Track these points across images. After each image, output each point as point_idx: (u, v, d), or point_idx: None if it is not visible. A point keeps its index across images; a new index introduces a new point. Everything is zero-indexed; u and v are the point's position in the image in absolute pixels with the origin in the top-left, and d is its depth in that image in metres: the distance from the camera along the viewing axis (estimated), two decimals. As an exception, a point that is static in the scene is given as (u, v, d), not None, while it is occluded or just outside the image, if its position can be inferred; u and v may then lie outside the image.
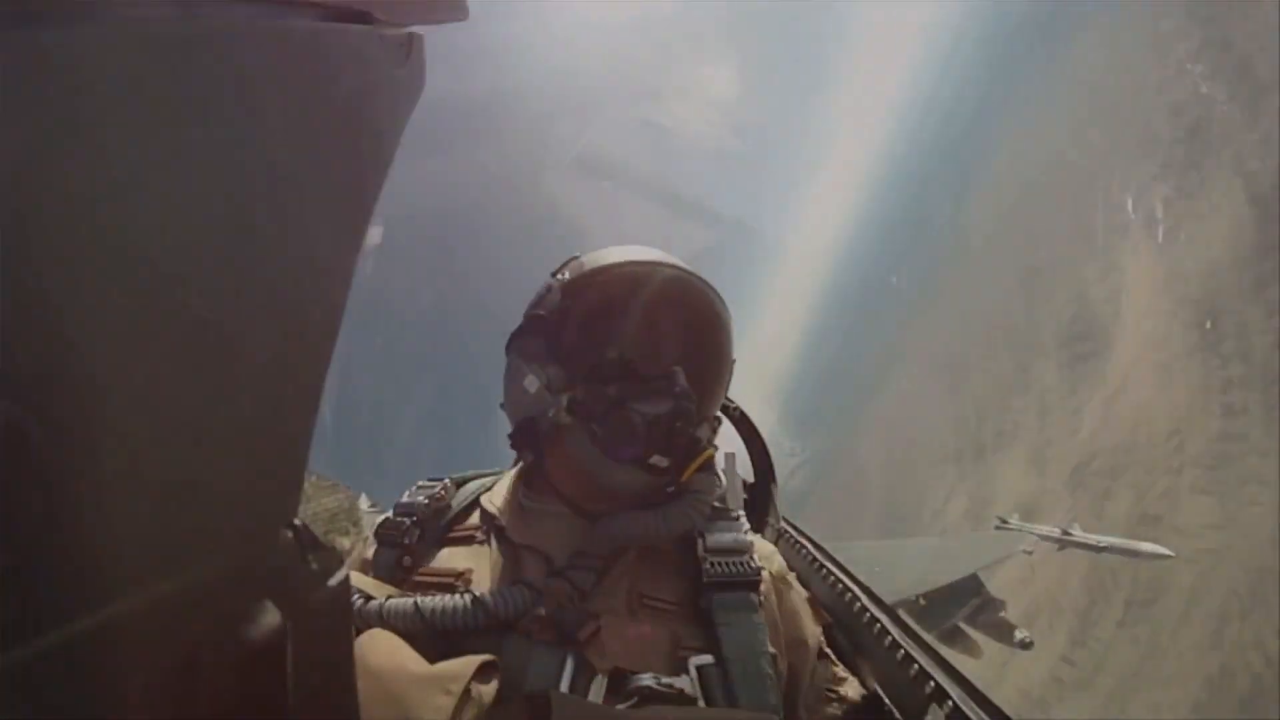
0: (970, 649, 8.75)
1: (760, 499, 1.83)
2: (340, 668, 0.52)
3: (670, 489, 1.14)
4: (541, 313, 1.17)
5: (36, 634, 0.32)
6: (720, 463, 1.44)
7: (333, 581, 0.49)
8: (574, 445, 1.11)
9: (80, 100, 0.30)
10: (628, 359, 1.13)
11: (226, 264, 0.38)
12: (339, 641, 0.51)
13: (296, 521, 0.47)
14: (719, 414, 1.29)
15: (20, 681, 0.31)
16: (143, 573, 0.37)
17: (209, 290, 0.37)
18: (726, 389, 1.27)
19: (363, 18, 0.43)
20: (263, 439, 0.43)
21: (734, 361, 1.26)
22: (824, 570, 1.61)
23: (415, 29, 0.47)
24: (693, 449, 1.13)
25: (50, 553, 0.32)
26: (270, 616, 0.43)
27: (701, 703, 0.95)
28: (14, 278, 0.28)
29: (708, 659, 0.99)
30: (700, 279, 1.20)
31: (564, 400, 1.09)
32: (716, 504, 1.23)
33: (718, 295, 1.21)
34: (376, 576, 1.13)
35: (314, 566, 0.47)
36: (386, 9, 0.45)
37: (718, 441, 1.44)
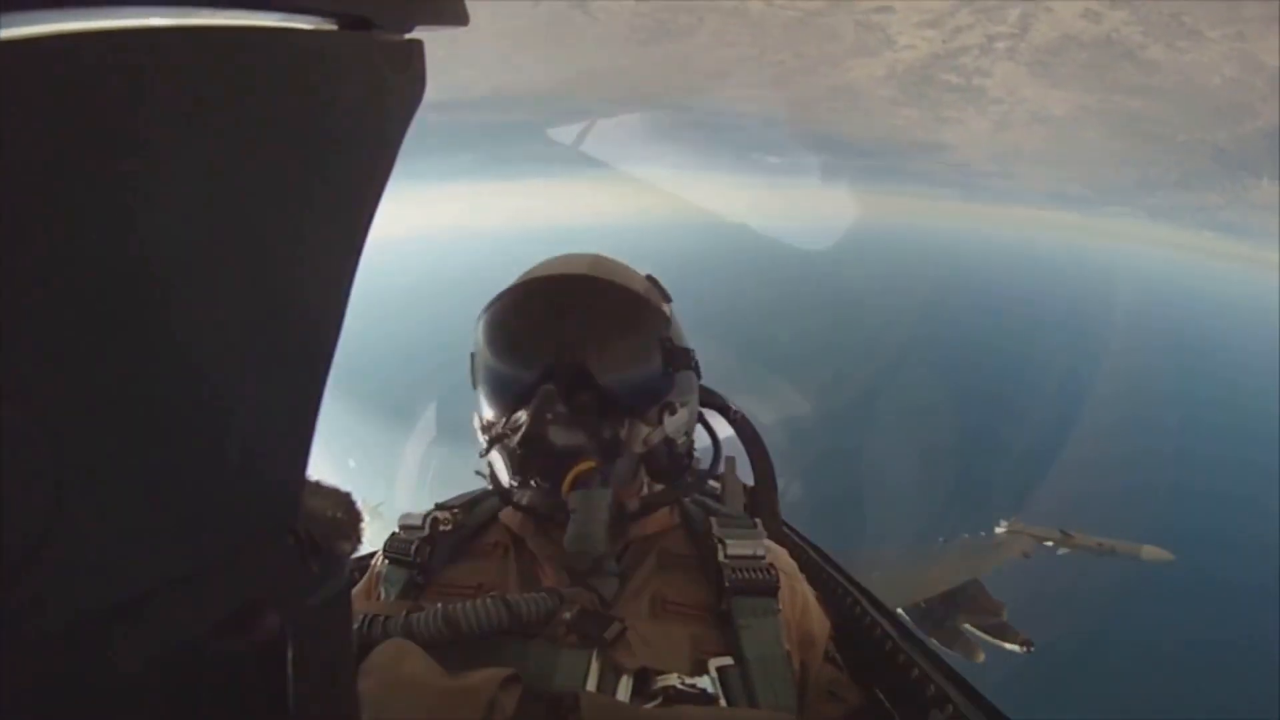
0: (970, 651, 8.75)
1: (761, 502, 1.83)
2: (340, 672, 0.52)
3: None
4: (472, 351, 1.22)
5: (38, 634, 0.32)
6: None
7: (333, 586, 0.49)
8: None
9: (82, 104, 0.30)
10: (501, 392, 1.15)
11: (226, 269, 0.38)
12: (339, 646, 0.51)
13: (297, 526, 0.47)
14: (675, 398, 1.20)
15: (22, 679, 0.31)
16: (144, 576, 0.37)
17: (207, 295, 0.37)
18: (647, 364, 1.16)
19: (362, 24, 0.43)
20: (263, 444, 0.43)
21: (665, 336, 1.18)
22: (824, 573, 1.61)
23: (415, 35, 0.47)
24: (561, 470, 1.06)
25: (52, 554, 0.32)
26: (270, 621, 0.43)
27: (723, 702, 0.96)
28: (14, 279, 0.29)
29: (727, 660, 1.01)
30: (586, 265, 1.19)
31: (484, 442, 1.17)
32: (729, 511, 1.27)
33: (611, 270, 1.20)
34: (388, 593, 1.14)
35: (314, 571, 0.47)
36: (386, 15, 0.45)
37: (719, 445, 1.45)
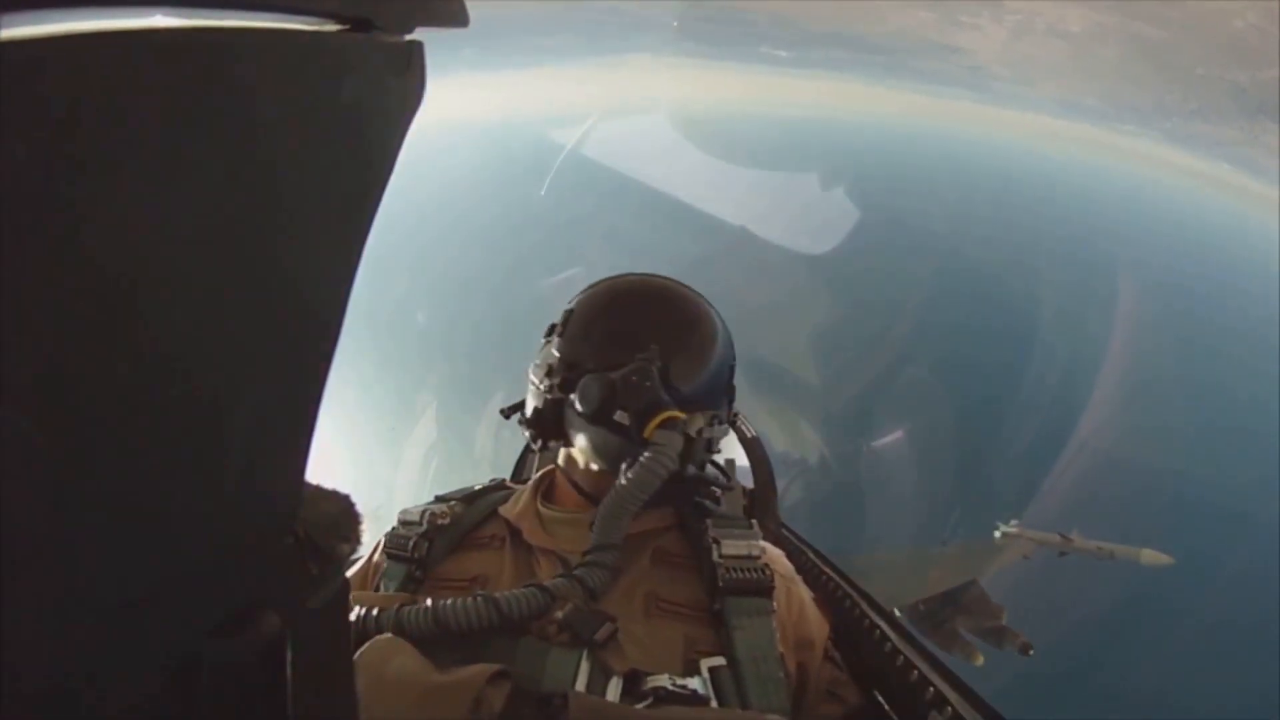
0: (969, 653, 8.74)
1: (760, 504, 1.84)
2: (340, 673, 0.52)
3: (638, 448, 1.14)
4: (555, 322, 1.31)
5: (38, 635, 0.32)
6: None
7: (332, 587, 0.49)
8: (565, 419, 1.21)
9: (81, 105, 0.30)
10: (603, 343, 1.23)
11: (225, 272, 0.38)
12: (338, 647, 0.51)
13: (297, 527, 0.47)
14: (720, 413, 1.30)
15: (22, 680, 0.31)
16: (144, 577, 0.37)
17: (207, 296, 0.37)
18: (717, 377, 1.29)
19: (363, 25, 0.43)
20: (263, 446, 0.43)
21: (731, 365, 1.32)
22: (823, 575, 1.61)
23: (416, 37, 0.47)
24: (654, 409, 1.13)
25: (52, 556, 0.32)
26: (270, 622, 0.43)
27: (714, 703, 0.96)
28: (13, 279, 0.29)
29: (720, 661, 1.01)
30: (679, 283, 1.34)
31: (556, 381, 1.22)
32: (726, 512, 1.28)
33: (698, 295, 1.34)
34: (386, 589, 1.15)
35: (313, 572, 0.47)
36: (387, 16, 0.45)
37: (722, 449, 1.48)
